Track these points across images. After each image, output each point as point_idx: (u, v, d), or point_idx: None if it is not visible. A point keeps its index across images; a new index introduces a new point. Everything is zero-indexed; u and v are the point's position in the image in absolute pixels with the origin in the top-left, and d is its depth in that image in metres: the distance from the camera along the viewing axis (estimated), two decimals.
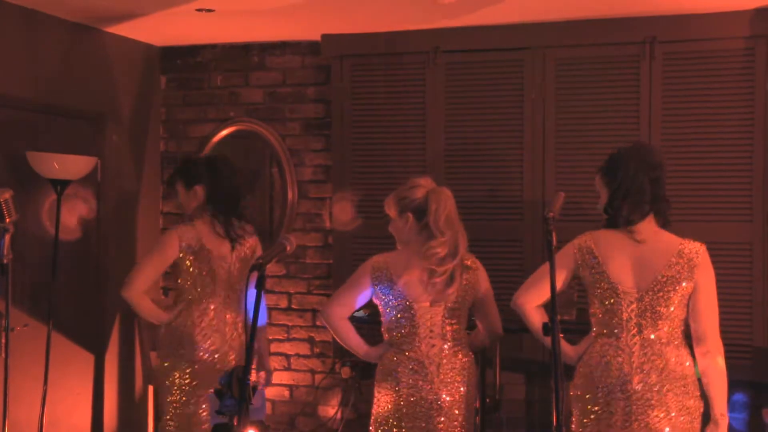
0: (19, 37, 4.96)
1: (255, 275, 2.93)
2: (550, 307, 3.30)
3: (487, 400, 5.11)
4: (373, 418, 3.81)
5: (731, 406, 4.98)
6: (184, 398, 4.43)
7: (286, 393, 5.94)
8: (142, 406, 5.91)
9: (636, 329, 3.46)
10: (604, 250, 3.52)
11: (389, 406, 3.71)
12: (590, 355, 3.57)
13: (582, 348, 3.65)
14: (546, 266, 3.43)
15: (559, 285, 3.50)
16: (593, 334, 3.61)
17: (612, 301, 3.49)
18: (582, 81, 5.25)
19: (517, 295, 3.64)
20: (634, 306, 3.47)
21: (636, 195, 3.50)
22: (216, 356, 4.42)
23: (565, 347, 3.64)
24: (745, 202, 4.99)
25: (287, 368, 5.92)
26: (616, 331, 3.49)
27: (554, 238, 3.34)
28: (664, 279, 3.46)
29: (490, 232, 5.35)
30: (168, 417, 4.47)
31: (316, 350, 5.89)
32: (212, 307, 4.44)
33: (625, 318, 3.47)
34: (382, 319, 3.83)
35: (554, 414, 2.97)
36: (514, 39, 5.31)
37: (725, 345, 4.96)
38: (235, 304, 4.50)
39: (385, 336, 3.85)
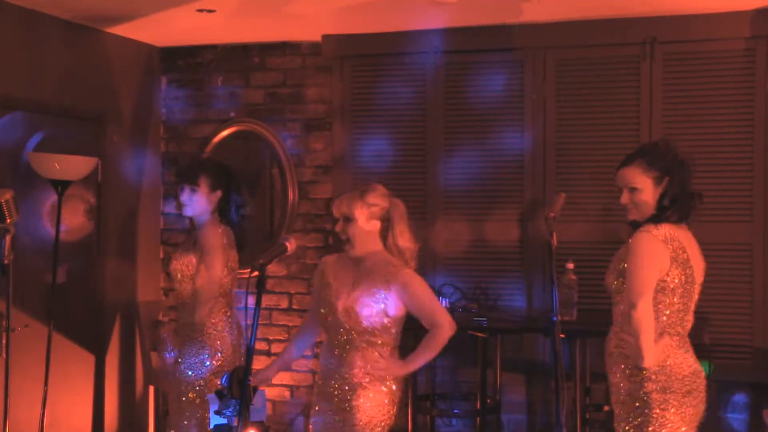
0: (19, 37, 4.96)
1: (255, 276, 2.94)
2: (552, 308, 3.32)
3: (488, 400, 5.11)
4: (381, 426, 3.52)
5: (731, 406, 4.98)
6: None
7: (287, 393, 5.94)
8: (143, 407, 5.91)
9: (689, 324, 3.34)
10: (685, 244, 3.32)
11: (394, 413, 3.61)
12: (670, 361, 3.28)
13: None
14: (638, 269, 3.22)
15: (653, 286, 3.22)
16: (663, 335, 3.29)
17: (690, 297, 3.31)
18: (582, 81, 5.26)
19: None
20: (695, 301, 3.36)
21: (689, 189, 3.36)
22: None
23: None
24: (745, 202, 5.00)
25: (287, 369, 5.91)
26: (686, 327, 3.31)
27: (554, 239, 3.35)
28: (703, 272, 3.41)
29: (489, 233, 5.36)
30: None
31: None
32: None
33: (691, 314, 3.34)
34: (396, 329, 3.59)
35: (555, 414, 2.98)
36: (514, 39, 5.32)
37: (725, 345, 4.97)
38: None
39: (395, 345, 3.70)
